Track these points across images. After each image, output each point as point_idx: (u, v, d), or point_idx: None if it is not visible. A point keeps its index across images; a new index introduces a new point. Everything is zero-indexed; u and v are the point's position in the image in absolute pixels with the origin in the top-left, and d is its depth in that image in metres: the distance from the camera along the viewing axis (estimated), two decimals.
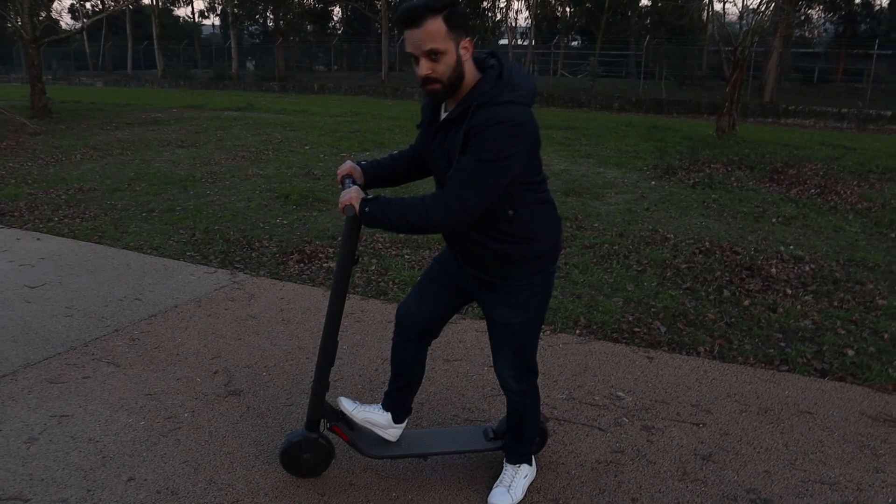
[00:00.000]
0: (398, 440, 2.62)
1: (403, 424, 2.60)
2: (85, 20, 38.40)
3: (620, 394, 3.24)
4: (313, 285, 4.68)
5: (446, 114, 2.10)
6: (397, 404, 2.58)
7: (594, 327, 4.01)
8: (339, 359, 3.59)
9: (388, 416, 2.56)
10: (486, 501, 2.47)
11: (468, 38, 1.99)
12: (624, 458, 2.74)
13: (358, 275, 4.86)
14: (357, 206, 2.13)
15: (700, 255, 5.34)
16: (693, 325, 4.05)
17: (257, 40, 43.02)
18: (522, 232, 2.16)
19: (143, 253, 5.39)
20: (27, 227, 6.10)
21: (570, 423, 2.99)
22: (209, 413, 3.06)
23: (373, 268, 5.01)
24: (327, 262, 5.14)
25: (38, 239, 5.76)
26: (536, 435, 2.55)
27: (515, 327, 2.27)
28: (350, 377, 3.40)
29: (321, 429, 2.54)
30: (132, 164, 9.26)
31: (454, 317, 4.12)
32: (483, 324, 4.01)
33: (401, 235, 5.78)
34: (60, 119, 15.13)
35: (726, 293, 4.56)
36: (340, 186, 2.32)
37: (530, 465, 2.57)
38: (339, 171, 2.40)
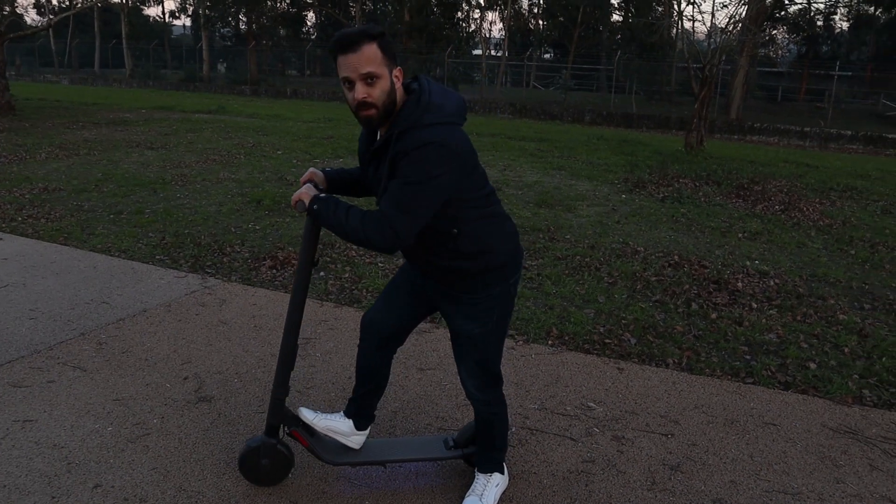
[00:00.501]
0: (361, 448, 2.63)
1: (366, 432, 2.62)
2: (52, 16, 37.73)
3: (591, 404, 3.28)
4: (286, 292, 4.65)
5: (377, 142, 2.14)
6: (360, 410, 2.59)
7: (566, 338, 4.05)
8: (312, 367, 3.57)
9: (350, 423, 2.58)
10: None
11: (399, 69, 2.06)
12: (594, 468, 2.77)
13: (331, 282, 4.85)
14: (307, 202, 2.18)
15: (669, 269, 5.43)
16: (662, 337, 4.11)
17: (229, 43, 42.67)
18: (472, 247, 2.18)
19: (111, 255, 5.30)
20: None
21: (542, 433, 3.02)
22: (179, 419, 3.03)
23: (346, 275, 5.00)
24: None
25: (1, 239, 5.63)
26: (506, 443, 2.57)
27: (477, 338, 2.30)
28: (323, 384, 3.39)
29: (280, 435, 2.54)
30: (99, 164, 9.11)
31: (427, 325, 4.13)
32: None
33: None
34: (24, 116, 14.83)
35: (694, 306, 4.64)
36: (301, 182, 2.40)
37: (502, 473, 2.58)
38: (301, 179, 2.41)
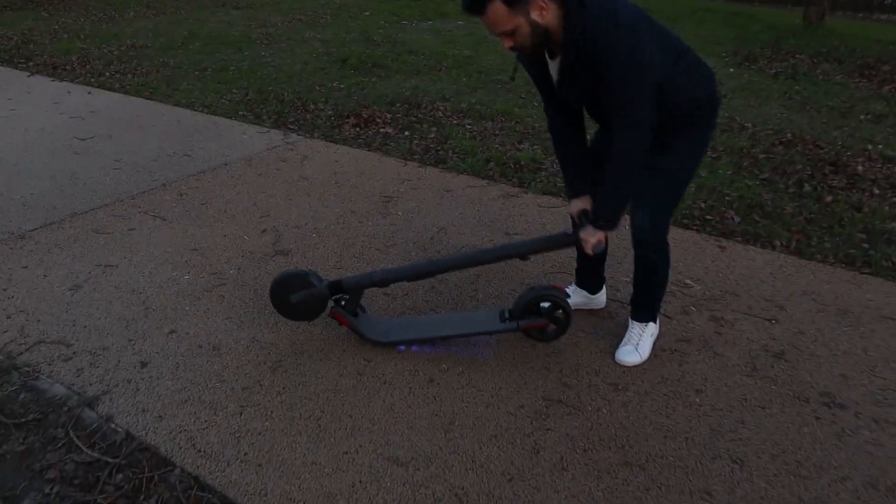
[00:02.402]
0: (407, 325, 2.49)
1: (601, 292, 2.72)
2: None
3: (689, 281, 2.98)
4: (368, 150, 4.44)
5: (556, 62, 2.03)
6: (587, 277, 2.67)
7: None
8: (393, 225, 3.40)
9: (583, 292, 2.69)
10: (614, 359, 2.42)
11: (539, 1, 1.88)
12: (689, 348, 2.51)
13: (416, 142, 4.60)
14: (601, 237, 2.17)
15: (780, 147, 4.86)
16: (769, 217, 3.69)
17: None
18: (679, 97, 2.07)
19: (195, 111, 5.20)
20: (78, 81, 5.96)
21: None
22: (255, 271, 2.93)
23: (432, 135, 4.73)
24: (384, 128, 4.87)
25: (90, 93, 5.62)
26: (664, 292, 2.46)
27: (673, 176, 2.20)
28: (403, 244, 3.21)
29: (331, 302, 2.42)
30: (186, 22, 8.95)
31: (516, 189, 3.86)
32: (546, 199, 3.75)
33: (463, 105, 5.44)
34: None
35: (807, 188, 4.14)
36: (578, 223, 2.26)
37: (656, 323, 2.49)
38: (572, 212, 2.32)
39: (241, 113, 5.15)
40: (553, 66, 2.07)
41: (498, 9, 1.85)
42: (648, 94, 1.92)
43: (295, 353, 2.40)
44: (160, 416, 2.10)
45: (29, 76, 6.16)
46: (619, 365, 2.39)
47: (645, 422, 2.13)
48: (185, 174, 3.95)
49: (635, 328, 2.46)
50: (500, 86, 6.12)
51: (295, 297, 2.36)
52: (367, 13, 10.37)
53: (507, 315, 2.42)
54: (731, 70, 7.65)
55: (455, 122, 5.07)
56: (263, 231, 3.29)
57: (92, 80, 6.02)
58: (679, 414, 2.17)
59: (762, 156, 4.66)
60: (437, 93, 5.76)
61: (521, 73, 2.26)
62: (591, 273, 2.67)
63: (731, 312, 2.76)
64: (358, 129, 4.85)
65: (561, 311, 2.37)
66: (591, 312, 2.70)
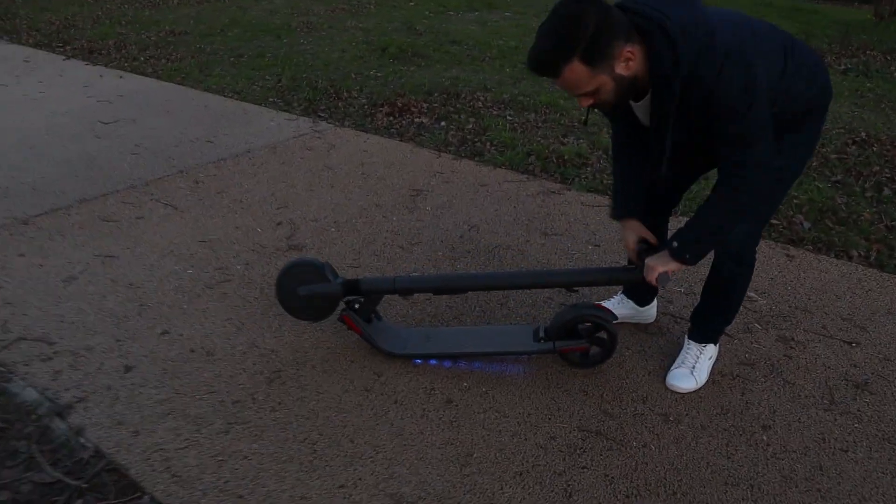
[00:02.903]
0: (427, 336, 2.18)
1: (652, 304, 2.36)
2: None
3: (752, 294, 2.60)
4: (401, 140, 4.15)
5: (641, 104, 1.73)
6: (636, 286, 2.29)
7: None
8: (420, 220, 3.10)
9: (630, 303, 2.33)
10: (665, 384, 2.08)
11: (625, 46, 1.55)
12: (754, 374, 2.15)
13: (452, 132, 4.29)
14: (673, 269, 1.82)
15: (853, 147, 4.40)
16: (844, 224, 3.27)
17: None
18: (795, 101, 1.76)
19: (225, 96, 4.98)
20: (112, 66, 5.80)
21: (687, 322, 2.41)
22: (264, 267, 2.66)
23: (470, 126, 4.41)
24: (419, 117, 4.57)
25: (121, 77, 5.45)
26: (736, 314, 2.12)
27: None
28: (430, 242, 2.91)
29: (342, 304, 2.13)
30: (228, 10, 8.80)
31: (557, 186, 3.52)
32: (590, 197, 3.40)
33: (504, 95, 5.11)
34: None
35: (887, 192, 3.70)
36: (634, 253, 1.94)
37: (716, 345, 2.14)
38: (628, 244, 1.98)
39: (271, 100, 4.91)
40: (639, 109, 1.76)
41: (577, 69, 1.54)
42: (767, 123, 1.63)
43: (296, 363, 2.12)
44: (136, 432, 1.83)
45: (65, 59, 6.04)
46: (671, 391, 2.05)
47: (701, 463, 1.79)
48: (205, 161, 3.71)
49: (692, 349, 2.11)
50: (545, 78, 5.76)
51: (304, 289, 2.08)
52: (412, 3, 10.10)
53: (542, 334, 2.10)
54: None
55: (495, 112, 4.74)
56: (279, 224, 3.02)
57: (126, 64, 5.87)
58: (742, 455, 1.82)
59: (833, 156, 4.22)
60: (478, 83, 5.44)
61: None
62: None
63: (802, 332, 2.38)
64: (391, 118, 4.56)
65: (604, 332, 2.04)
66: (638, 327, 2.36)
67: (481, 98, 5.04)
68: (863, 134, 4.69)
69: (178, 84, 5.28)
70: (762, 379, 2.13)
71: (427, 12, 9.28)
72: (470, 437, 1.85)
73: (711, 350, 2.12)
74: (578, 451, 1.81)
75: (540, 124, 4.51)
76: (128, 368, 2.08)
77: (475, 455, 1.79)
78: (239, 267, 2.66)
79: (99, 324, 2.29)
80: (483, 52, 6.64)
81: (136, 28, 7.44)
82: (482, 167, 3.75)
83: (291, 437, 1.83)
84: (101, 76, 5.46)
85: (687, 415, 1.95)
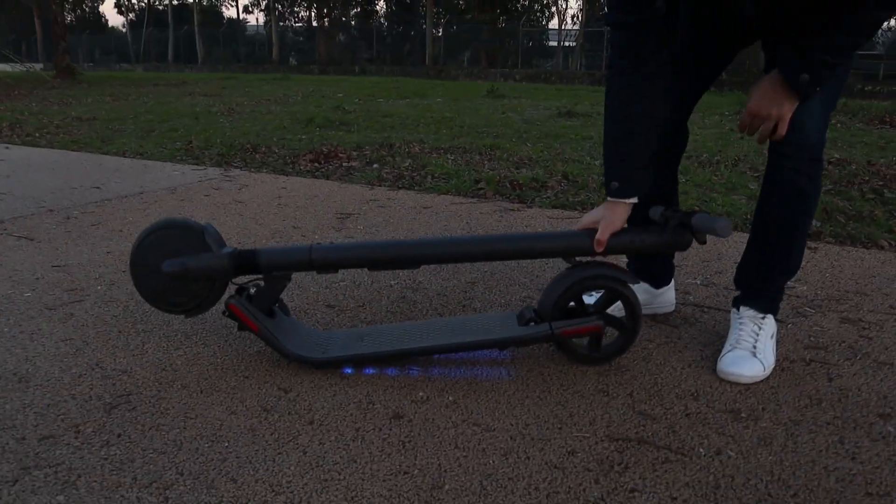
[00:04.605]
0: (359, 337, 1.49)
1: (669, 286, 1.74)
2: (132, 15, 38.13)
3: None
4: (326, 180, 3.54)
5: None
6: (648, 262, 1.70)
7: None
8: (350, 237, 2.44)
9: (643, 286, 1.70)
10: (717, 373, 1.42)
11: None
12: (833, 357, 1.51)
13: (386, 170, 3.71)
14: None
15: (830, 166, 4.05)
16: (857, 220, 2.81)
17: (301, 38, 42.25)
18: None
19: (124, 157, 4.33)
20: (1, 142, 5.10)
21: (718, 311, 1.78)
22: (132, 286, 1.93)
23: (406, 164, 3.85)
24: (348, 162, 3.99)
25: (7, 148, 4.75)
26: (801, 260, 1.50)
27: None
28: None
29: (230, 296, 1.41)
30: (146, 104, 8.28)
31: (517, 205, 2.94)
32: (557, 212, 2.82)
33: (444, 145, 4.61)
34: (85, 81, 14.37)
35: (888, 194, 3.30)
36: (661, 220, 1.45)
37: (776, 315, 1.53)
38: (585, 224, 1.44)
39: (179, 158, 4.28)
40: None
41: None
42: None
43: (159, 383, 1.37)
44: None
45: None
46: (730, 381, 1.38)
47: (816, 468, 1.11)
48: (84, 202, 3.01)
49: (746, 325, 1.47)
50: (485, 134, 5.33)
51: (172, 264, 1.37)
52: (340, 94, 9.84)
53: (530, 314, 1.43)
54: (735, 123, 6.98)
55: (435, 155, 4.22)
56: None
57: (16, 139, 5.18)
58: (869, 453, 1.15)
59: None
60: (414, 138, 4.95)
61: None
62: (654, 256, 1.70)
63: (868, 313, 1.78)
64: (316, 164, 3.97)
65: (623, 301, 1.40)
66: (656, 318, 1.72)
67: (417, 147, 4.54)
68: (836, 155, 4.37)
69: (74, 151, 4.61)
70: (846, 363, 1.49)
71: (356, 100, 9.01)
72: (435, 462, 1.12)
73: (772, 325, 1.49)
74: (618, 468, 1.10)
75: (486, 161, 4.00)
76: None
77: (447, 487, 1.06)
78: (100, 287, 1.92)
79: None
80: (416, 121, 6.25)
81: (38, 117, 6.79)
82: (423, 195, 3.16)
83: (129, 480, 1.07)
84: None
85: (765, 409, 1.28)
